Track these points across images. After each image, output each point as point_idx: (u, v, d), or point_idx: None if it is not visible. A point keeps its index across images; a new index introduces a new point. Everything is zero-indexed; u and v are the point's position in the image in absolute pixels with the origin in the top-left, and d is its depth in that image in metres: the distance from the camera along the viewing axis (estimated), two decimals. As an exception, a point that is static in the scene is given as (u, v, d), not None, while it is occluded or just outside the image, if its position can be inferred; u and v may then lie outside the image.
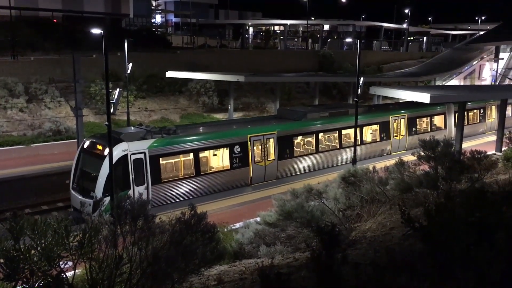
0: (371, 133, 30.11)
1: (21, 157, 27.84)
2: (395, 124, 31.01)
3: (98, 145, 20.19)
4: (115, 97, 21.82)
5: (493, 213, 6.87)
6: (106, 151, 19.01)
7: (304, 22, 74.33)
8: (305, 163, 26.43)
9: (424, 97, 25.38)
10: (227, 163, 23.08)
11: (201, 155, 22.20)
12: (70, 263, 6.30)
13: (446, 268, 5.89)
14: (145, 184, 19.85)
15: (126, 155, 19.41)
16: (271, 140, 24.62)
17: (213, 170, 22.71)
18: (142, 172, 19.90)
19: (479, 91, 36.51)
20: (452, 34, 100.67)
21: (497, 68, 62.38)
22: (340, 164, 27.50)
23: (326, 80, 51.32)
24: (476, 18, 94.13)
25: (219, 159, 23.16)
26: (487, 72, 68.41)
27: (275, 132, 24.76)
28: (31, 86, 35.50)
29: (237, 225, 17.22)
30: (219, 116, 41.23)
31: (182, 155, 21.59)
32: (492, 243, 6.23)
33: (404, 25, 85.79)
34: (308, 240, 10.90)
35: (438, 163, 13.29)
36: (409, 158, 15.56)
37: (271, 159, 24.63)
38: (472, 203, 7.42)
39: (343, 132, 28.51)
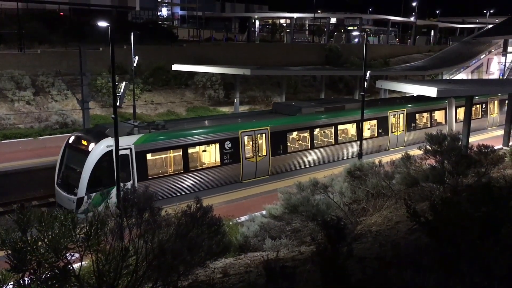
0: (368, 129, 29.43)
1: (28, 150, 27.99)
2: (393, 120, 30.38)
3: (83, 140, 19.74)
4: (121, 90, 21.86)
5: (499, 208, 6.84)
6: (91, 146, 18.95)
7: (311, 15, 73.96)
8: (299, 159, 25.81)
9: (431, 91, 25.24)
10: (217, 159, 22.56)
11: (190, 151, 21.72)
12: (76, 255, 6.35)
13: (451, 262, 5.88)
14: (131, 181, 19.36)
15: (111, 151, 18.75)
16: (263, 135, 24.04)
17: (202, 166, 22.26)
18: (128, 169, 19.40)
19: (487, 85, 36.21)
20: (460, 28, 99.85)
21: (505, 62, 61.82)
22: (336, 160, 26.96)
23: (332, 74, 51.13)
24: (485, 11, 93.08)
25: (209, 155, 22.71)
26: (495, 66, 67.81)
27: (268, 128, 24.20)
28: (38, 79, 35.64)
29: (243, 218, 17.27)
30: (225, 109, 41.21)
31: (170, 151, 21.09)
32: (498, 238, 6.21)
33: (412, 18, 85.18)
34: (313, 233, 10.91)
35: (445, 158, 13.24)
36: (416, 152, 15.50)
37: (262, 155, 24.02)
38: (479, 198, 7.39)
39: (340, 127, 27.94)
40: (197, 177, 21.57)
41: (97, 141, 19.14)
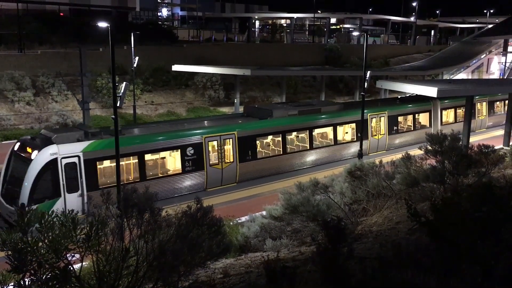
0: (346, 133, 28.14)
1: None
2: (373, 123, 29.07)
3: (27, 147, 18.44)
4: (122, 90, 21.83)
5: (500, 208, 6.84)
6: (34, 154, 17.80)
7: (311, 15, 73.97)
8: (271, 165, 24.38)
9: (431, 91, 25.26)
10: (178, 166, 21.26)
11: (147, 158, 20.42)
12: (77, 256, 6.35)
13: (452, 262, 5.88)
14: (79, 191, 18.13)
15: (55, 159, 17.63)
16: (230, 140, 22.68)
17: (161, 174, 20.94)
18: (75, 178, 18.10)
19: (487, 85, 36.18)
20: (460, 28, 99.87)
21: (505, 62, 61.85)
22: (312, 166, 25.83)
23: (332, 74, 51.16)
24: (485, 11, 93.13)
25: (168, 162, 21.51)
26: (495, 65, 67.83)
27: (235, 132, 22.82)
28: (38, 80, 35.67)
29: (243, 218, 17.27)
30: (225, 109, 41.24)
31: (125, 158, 19.63)
32: (498, 238, 6.21)
33: (412, 19, 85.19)
34: (314, 234, 10.91)
35: (445, 158, 13.23)
36: (416, 152, 15.50)
37: (229, 161, 22.64)
38: (479, 198, 7.38)
39: (315, 131, 26.59)
40: (156, 186, 19.50)
41: (40, 148, 17.86)
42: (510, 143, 29.28)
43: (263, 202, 17.54)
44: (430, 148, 13.95)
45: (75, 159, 18.23)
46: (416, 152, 15.57)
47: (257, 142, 24.04)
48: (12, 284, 6.16)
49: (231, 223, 15.15)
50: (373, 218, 11.77)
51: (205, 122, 24.78)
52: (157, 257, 6.91)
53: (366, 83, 28.18)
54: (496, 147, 15.42)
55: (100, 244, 6.51)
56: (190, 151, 21.31)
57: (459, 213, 6.73)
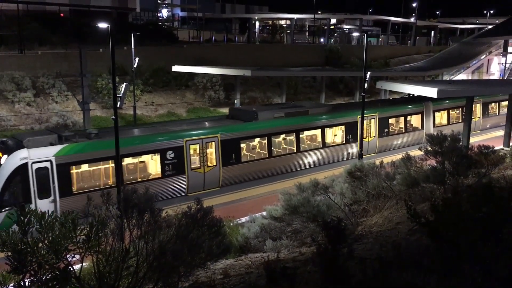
0: (335, 135, 27.64)
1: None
2: (363, 125, 28.05)
3: None
4: (122, 91, 21.89)
5: (500, 208, 6.83)
6: (3, 159, 17.32)
7: (311, 16, 73.99)
8: (257, 169, 23.77)
9: (431, 92, 25.27)
10: (158, 170, 20.67)
11: (125, 162, 19.77)
12: (77, 256, 6.35)
13: (452, 263, 5.87)
14: (52, 197, 17.59)
15: (26, 164, 17.05)
16: (213, 144, 22.18)
17: (140, 179, 20.25)
18: (47, 183, 17.53)
19: (487, 86, 36.18)
20: (460, 28, 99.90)
21: (505, 63, 61.85)
22: (298, 169, 25.23)
23: (332, 75, 51.15)
24: (485, 12, 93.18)
25: (148, 166, 20.94)
26: (495, 66, 67.83)
27: (218, 135, 22.27)
28: (38, 80, 35.68)
29: (243, 219, 17.26)
30: (225, 110, 41.17)
31: (101, 162, 19.11)
32: (499, 239, 6.20)
33: (412, 19, 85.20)
34: (314, 234, 10.90)
35: (445, 158, 13.22)
36: (416, 153, 15.50)
37: (212, 165, 22.10)
38: (479, 199, 7.38)
39: (303, 134, 25.95)
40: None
41: (10, 152, 17.37)
42: (510, 144, 29.28)
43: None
44: (430, 148, 13.95)
45: (47, 164, 17.59)
46: (416, 152, 15.57)
47: (242, 145, 23.45)
48: (12, 284, 6.16)
49: (231, 224, 15.14)
50: (373, 218, 11.77)
51: (187, 125, 24.04)
52: (157, 257, 6.91)
53: (366, 84, 28.20)
54: (496, 148, 15.41)
55: (100, 245, 6.51)
56: (170, 154, 20.76)
57: (459, 214, 6.72)
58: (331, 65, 58.96)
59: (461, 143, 14.97)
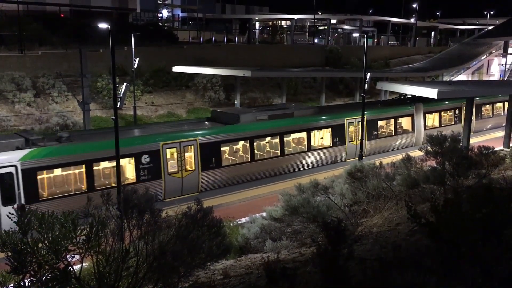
0: (321, 138, 26.95)
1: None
2: (351, 128, 27.70)
3: None
4: (122, 91, 21.90)
5: (500, 209, 6.83)
6: None
7: (311, 16, 74.04)
8: (238, 173, 23.07)
9: (431, 93, 25.28)
10: (132, 175, 19.94)
11: (97, 167, 19.03)
12: (77, 257, 6.35)
13: (452, 264, 5.87)
14: (17, 203, 16.87)
15: None
16: (192, 147, 21.43)
17: (113, 184, 19.06)
18: (11, 189, 16.86)
19: (488, 87, 36.18)
20: (460, 29, 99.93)
21: (505, 63, 61.89)
22: (283, 173, 24.52)
23: (333, 75, 51.18)
24: (485, 12, 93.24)
25: (122, 170, 19.67)
26: (496, 67, 67.89)
27: (196, 139, 21.54)
28: (38, 81, 35.70)
29: (243, 219, 17.26)
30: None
31: (72, 167, 18.42)
32: (499, 240, 6.20)
33: (412, 20, 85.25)
34: (314, 235, 10.90)
35: (445, 159, 13.22)
36: (416, 153, 15.50)
37: (190, 169, 21.38)
38: (479, 199, 7.38)
39: (287, 137, 25.20)
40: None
41: None
42: (510, 145, 29.29)
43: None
44: (430, 149, 13.95)
45: (12, 169, 16.94)
46: (416, 153, 15.57)
47: (223, 149, 22.75)
48: (12, 285, 6.16)
49: (231, 224, 15.14)
50: (373, 219, 11.76)
51: (165, 128, 23.37)
52: (157, 258, 6.91)
53: (366, 85, 28.22)
54: (496, 149, 15.41)
55: (100, 245, 6.50)
56: (145, 159, 20.03)
57: (459, 215, 6.72)
58: (331, 65, 59.01)
59: (461, 144, 14.97)
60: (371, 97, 45.53)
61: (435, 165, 13.53)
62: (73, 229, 6.21)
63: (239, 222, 16.31)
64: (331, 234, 6.59)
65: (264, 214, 13.33)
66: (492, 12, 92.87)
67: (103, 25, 23.81)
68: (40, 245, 6.07)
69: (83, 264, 6.47)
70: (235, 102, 38.19)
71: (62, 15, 51.86)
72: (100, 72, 36.82)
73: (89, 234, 6.33)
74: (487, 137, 35.01)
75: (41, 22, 44.26)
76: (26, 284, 5.93)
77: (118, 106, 17.98)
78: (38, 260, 5.98)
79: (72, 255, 6.30)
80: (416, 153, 15.50)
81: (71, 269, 6.29)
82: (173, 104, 40.92)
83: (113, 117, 16.40)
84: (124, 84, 22.75)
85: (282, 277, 6.10)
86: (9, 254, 5.92)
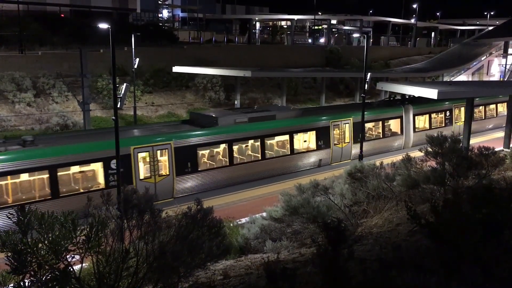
0: (305, 141, 25.98)
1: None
2: (336, 130, 26.85)
3: None
4: (122, 91, 21.91)
5: (500, 210, 6.83)
6: None
7: (311, 17, 74.05)
8: (216, 178, 22.20)
9: (431, 93, 25.27)
10: (100, 181, 18.96)
11: (62, 172, 18.09)
12: (77, 257, 6.35)
13: (452, 265, 5.87)
14: None
15: None
16: (166, 151, 20.60)
17: (82, 190, 18.51)
18: None
19: (488, 87, 36.16)
20: (461, 30, 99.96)
21: (505, 64, 61.91)
22: (264, 177, 23.64)
23: (333, 76, 51.21)
24: (485, 13, 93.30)
25: (88, 177, 19.12)
26: (496, 67, 67.92)
27: (171, 142, 20.63)
28: (38, 81, 35.71)
29: (243, 220, 17.25)
30: (226, 111, 41.27)
31: (36, 172, 17.51)
32: (499, 240, 6.20)
33: (412, 20, 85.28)
34: (314, 235, 10.90)
35: (446, 159, 13.23)
36: (416, 154, 15.50)
37: (164, 174, 20.50)
38: (480, 200, 7.38)
39: (269, 140, 24.31)
40: (71, 204, 16.26)
41: None
42: (511, 145, 29.29)
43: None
44: (430, 149, 13.95)
45: None
46: (416, 154, 15.57)
47: (199, 152, 21.85)
48: (12, 285, 6.15)
49: (231, 225, 15.14)
50: (373, 219, 11.76)
51: (138, 131, 22.53)
52: (157, 258, 6.91)
53: (366, 85, 28.20)
54: (496, 149, 15.41)
55: (100, 245, 6.50)
56: (114, 164, 18.43)
57: (459, 215, 6.72)
58: (332, 66, 59.04)
59: (461, 144, 14.97)
60: (371, 98, 45.55)
61: (435, 165, 13.54)
62: (73, 229, 6.20)
63: (239, 223, 16.29)
64: (331, 235, 6.59)
65: (264, 214, 13.33)
66: (492, 13, 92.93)
67: (103, 25, 23.80)
68: (40, 245, 6.06)
69: (83, 264, 6.47)
70: (235, 102, 38.19)
71: (62, 15, 51.89)
72: (100, 72, 36.83)
73: (89, 234, 6.33)
74: (487, 138, 35.02)
75: (41, 22, 44.32)
76: (26, 284, 5.93)
77: (118, 106, 17.98)
78: (38, 260, 5.98)
79: (72, 255, 6.30)
80: (416, 154, 15.50)
81: (71, 269, 6.29)
82: (173, 104, 40.93)
83: (113, 117, 16.40)
84: (124, 84, 22.76)
85: (282, 278, 6.09)
86: (9, 254, 5.92)
